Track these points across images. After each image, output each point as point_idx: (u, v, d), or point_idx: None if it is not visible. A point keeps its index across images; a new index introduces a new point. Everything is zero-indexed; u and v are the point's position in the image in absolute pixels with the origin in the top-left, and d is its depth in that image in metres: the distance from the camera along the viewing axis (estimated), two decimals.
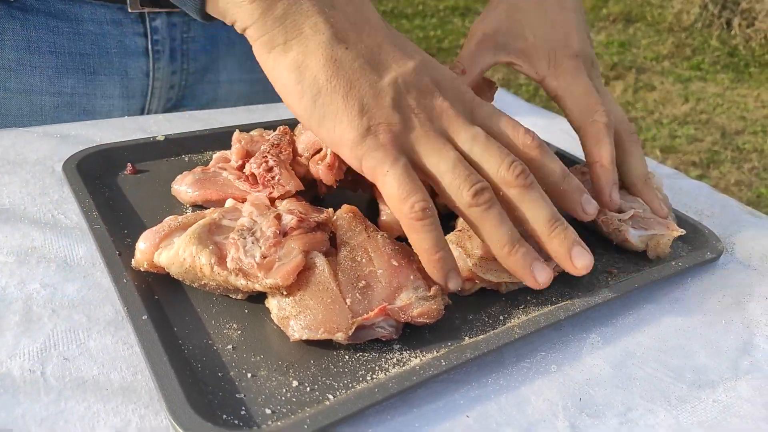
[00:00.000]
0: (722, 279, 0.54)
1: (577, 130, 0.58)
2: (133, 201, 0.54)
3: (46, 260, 0.46)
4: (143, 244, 0.43)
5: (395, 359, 0.40)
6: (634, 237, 0.54)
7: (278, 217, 0.44)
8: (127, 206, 0.53)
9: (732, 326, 0.49)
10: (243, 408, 0.35)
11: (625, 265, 0.54)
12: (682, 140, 3.03)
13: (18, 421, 0.34)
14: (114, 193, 0.55)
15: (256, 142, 0.57)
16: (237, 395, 0.36)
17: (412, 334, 0.42)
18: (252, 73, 0.87)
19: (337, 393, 0.37)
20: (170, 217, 0.45)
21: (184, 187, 0.54)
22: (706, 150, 2.94)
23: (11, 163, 0.58)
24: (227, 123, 0.71)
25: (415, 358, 0.40)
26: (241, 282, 0.41)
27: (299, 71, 0.43)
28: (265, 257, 0.42)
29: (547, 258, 0.45)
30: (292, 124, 0.57)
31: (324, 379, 0.38)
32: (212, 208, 0.47)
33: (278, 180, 0.51)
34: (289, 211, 0.45)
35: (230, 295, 0.43)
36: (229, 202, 0.48)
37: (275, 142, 0.53)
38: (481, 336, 0.42)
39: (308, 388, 0.37)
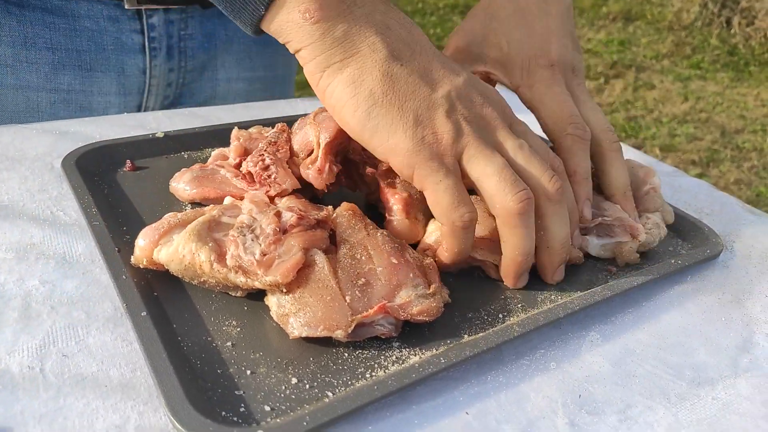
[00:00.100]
0: (722, 277, 0.54)
1: (551, 142, 0.57)
2: (132, 198, 0.54)
3: (45, 257, 0.46)
4: (142, 241, 0.43)
5: (394, 357, 0.40)
6: (594, 247, 0.53)
7: (278, 215, 0.44)
8: (126, 203, 0.53)
9: (731, 324, 0.49)
10: (242, 405, 0.35)
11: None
12: (681, 139, 3.03)
13: (17, 418, 0.34)
14: (113, 189, 0.55)
15: (254, 139, 0.57)
16: (236, 392, 0.36)
17: (411, 332, 0.42)
18: (250, 71, 0.87)
19: (337, 390, 0.37)
20: (169, 213, 0.45)
21: (182, 185, 0.54)
22: (706, 149, 2.95)
23: (10, 159, 0.58)
24: (226, 120, 0.71)
25: (415, 355, 0.40)
26: (240, 279, 0.41)
27: (355, 86, 0.44)
28: (264, 254, 0.41)
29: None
30: (291, 121, 0.57)
31: (323, 376, 0.38)
32: (211, 205, 0.47)
33: (274, 178, 0.51)
34: (289, 209, 0.45)
35: (230, 293, 0.43)
36: (228, 200, 0.48)
37: (272, 140, 0.53)
38: (481, 334, 0.42)
39: (307, 386, 0.37)
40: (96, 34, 0.73)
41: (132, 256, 0.43)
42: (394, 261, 0.44)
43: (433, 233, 0.49)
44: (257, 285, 0.41)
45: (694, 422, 0.39)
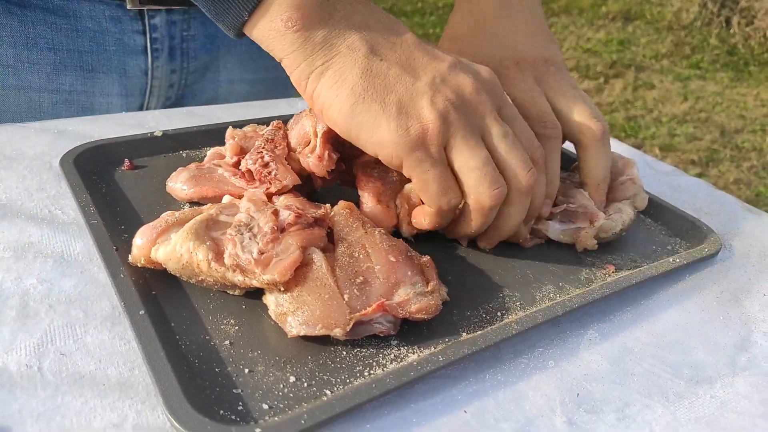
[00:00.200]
0: (720, 275, 0.54)
1: None
2: (131, 196, 0.54)
3: (43, 255, 0.46)
4: (140, 240, 0.43)
5: (392, 355, 0.40)
6: (554, 232, 0.54)
7: (275, 213, 0.44)
8: (125, 202, 0.53)
9: (730, 323, 0.49)
10: (240, 403, 0.35)
11: (623, 262, 0.54)
12: (681, 139, 3.03)
13: (15, 417, 0.34)
14: (111, 188, 0.55)
15: (249, 138, 0.57)
16: (234, 391, 0.36)
17: (409, 330, 0.42)
18: (253, 72, 0.87)
19: (335, 389, 0.37)
20: (167, 212, 0.45)
21: (179, 185, 0.53)
22: (705, 149, 2.95)
23: (8, 158, 0.58)
24: (225, 119, 0.71)
25: (413, 354, 0.40)
26: (238, 278, 0.41)
27: (337, 86, 0.45)
28: (262, 253, 0.41)
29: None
30: (287, 119, 0.57)
31: (321, 374, 0.38)
32: (209, 204, 0.47)
33: (275, 175, 0.51)
34: (287, 207, 0.45)
35: (227, 291, 0.43)
36: (226, 198, 0.48)
37: (269, 138, 0.53)
38: (479, 332, 0.42)
39: (305, 384, 0.37)
40: (98, 34, 0.72)
41: (130, 255, 0.43)
42: (392, 259, 0.44)
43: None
44: (255, 284, 0.41)
45: (692, 421, 0.39)
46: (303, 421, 0.33)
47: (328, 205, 0.48)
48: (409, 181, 0.48)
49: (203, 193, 0.53)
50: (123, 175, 0.57)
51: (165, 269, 0.43)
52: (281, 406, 0.36)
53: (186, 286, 0.44)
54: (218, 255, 0.41)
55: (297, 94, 0.87)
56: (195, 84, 0.82)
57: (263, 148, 0.52)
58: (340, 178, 0.55)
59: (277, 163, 0.51)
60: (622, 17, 4.88)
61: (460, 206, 0.48)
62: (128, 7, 0.72)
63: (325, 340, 0.40)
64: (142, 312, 0.39)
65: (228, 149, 0.55)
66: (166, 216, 0.44)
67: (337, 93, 0.45)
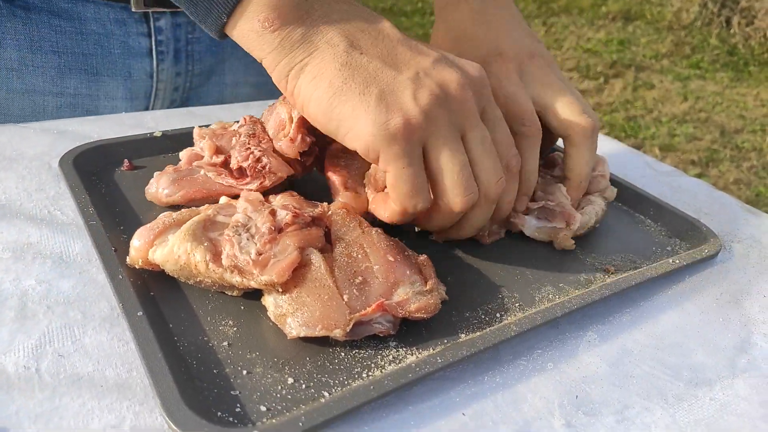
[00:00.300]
0: (720, 277, 0.54)
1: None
2: (130, 197, 0.54)
3: (42, 256, 0.46)
4: (138, 242, 0.43)
5: (391, 356, 0.40)
6: (530, 228, 0.54)
7: (273, 213, 0.44)
8: (124, 202, 0.53)
9: (730, 324, 0.49)
10: (238, 405, 0.35)
11: (623, 263, 0.54)
12: (681, 139, 3.03)
13: (12, 418, 0.34)
14: (110, 189, 0.55)
15: (219, 135, 0.56)
16: (232, 392, 0.36)
17: (408, 331, 0.42)
18: (258, 75, 0.86)
19: (333, 390, 0.37)
20: (165, 213, 0.45)
21: (162, 189, 0.52)
22: (705, 149, 2.94)
23: (8, 158, 0.58)
24: (225, 120, 0.70)
25: (411, 355, 0.40)
26: (236, 279, 0.41)
27: (316, 81, 0.44)
28: (260, 254, 0.41)
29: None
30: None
31: (319, 376, 0.38)
32: (206, 205, 0.46)
33: (269, 168, 0.51)
34: (284, 207, 0.45)
35: (226, 292, 0.43)
36: (223, 199, 0.48)
37: (251, 133, 0.53)
38: (478, 333, 0.42)
39: (304, 386, 0.37)
40: (103, 37, 0.72)
41: (128, 257, 0.43)
42: (391, 258, 0.44)
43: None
44: (253, 285, 0.41)
45: (691, 423, 0.39)
46: (301, 424, 0.33)
47: (325, 204, 0.48)
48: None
49: (191, 195, 0.52)
50: (122, 175, 0.57)
51: (163, 270, 0.43)
52: (279, 407, 0.35)
53: (184, 287, 0.44)
54: (216, 256, 0.41)
55: None
56: (200, 87, 0.82)
57: (249, 144, 0.52)
58: (317, 165, 0.56)
59: (269, 156, 0.51)
60: (622, 17, 4.88)
61: None
62: (133, 9, 0.72)
63: (323, 342, 0.40)
64: (140, 313, 0.39)
65: (206, 149, 0.55)
66: (163, 217, 0.44)
67: (316, 87, 0.44)
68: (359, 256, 0.44)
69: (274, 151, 0.53)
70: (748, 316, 0.50)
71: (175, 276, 0.43)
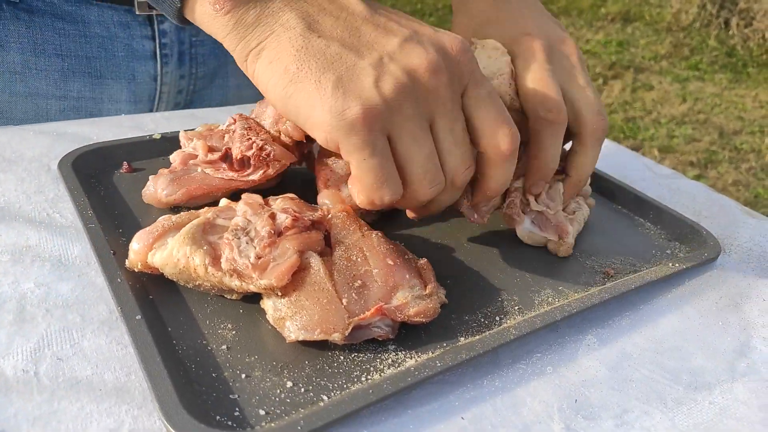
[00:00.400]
0: (719, 280, 0.54)
1: (531, 123, 0.53)
2: (129, 200, 0.53)
3: (41, 259, 0.46)
4: (137, 245, 0.43)
5: (390, 360, 0.40)
6: (523, 230, 0.54)
7: (272, 217, 0.44)
8: (123, 205, 0.53)
9: (729, 328, 0.49)
10: (237, 409, 0.35)
11: (622, 266, 0.54)
12: (679, 140, 3.03)
13: (10, 421, 0.34)
14: (109, 191, 0.54)
15: (207, 136, 0.56)
16: (231, 396, 0.36)
17: (407, 335, 0.42)
18: None
19: (332, 394, 0.37)
20: (164, 216, 0.45)
21: (161, 191, 0.52)
22: (704, 150, 2.95)
23: (7, 160, 0.58)
24: (224, 121, 0.70)
25: (410, 358, 0.40)
26: (235, 283, 0.41)
27: (272, 66, 0.42)
28: (259, 258, 0.41)
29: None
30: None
31: (318, 379, 0.38)
32: (206, 208, 0.46)
33: (273, 156, 0.51)
34: (284, 210, 0.45)
35: (225, 296, 0.43)
36: (223, 201, 0.48)
37: (246, 127, 0.54)
38: (477, 337, 0.42)
39: (302, 389, 0.37)
40: (106, 40, 0.72)
41: (126, 260, 0.43)
42: (390, 262, 0.43)
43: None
44: (252, 288, 0.41)
45: (691, 427, 0.39)
46: (300, 427, 0.33)
47: (325, 207, 0.48)
48: None
49: (191, 193, 0.52)
50: (121, 178, 0.57)
51: (162, 274, 0.42)
52: (278, 411, 0.35)
53: (183, 291, 0.44)
54: (215, 260, 0.41)
55: None
56: (204, 90, 0.82)
57: (248, 135, 0.53)
58: (308, 163, 0.57)
59: (271, 144, 0.52)
60: (621, 18, 4.88)
61: None
62: (137, 12, 0.71)
63: (322, 345, 0.40)
64: (138, 316, 0.39)
65: (199, 148, 0.55)
66: (163, 220, 0.44)
67: (272, 73, 0.42)
68: (359, 259, 0.43)
69: (274, 140, 0.54)
70: (748, 320, 0.50)
71: (174, 279, 0.43)
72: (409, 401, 0.38)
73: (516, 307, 0.46)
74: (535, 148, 0.52)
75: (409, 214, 0.51)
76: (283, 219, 0.44)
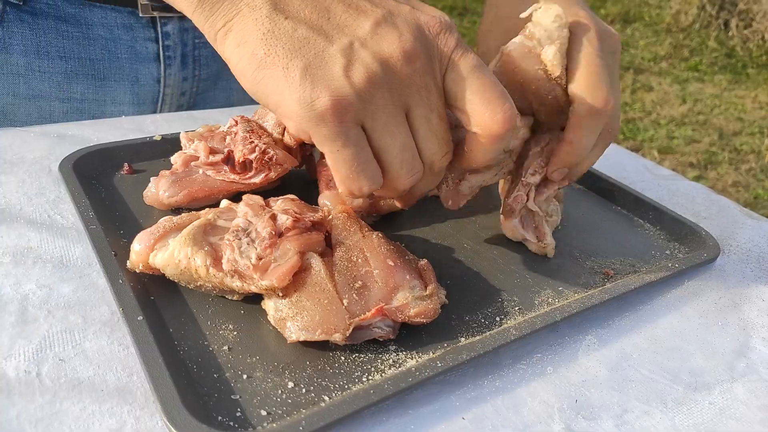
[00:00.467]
0: (719, 281, 0.54)
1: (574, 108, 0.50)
2: (130, 201, 0.54)
3: (42, 260, 0.46)
4: (138, 246, 0.43)
5: (391, 360, 0.40)
6: (510, 226, 0.52)
7: (273, 218, 0.44)
8: (124, 206, 0.53)
9: (728, 328, 0.49)
10: (238, 409, 0.35)
11: (622, 267, 0.54)
12: (679, 141, 3.03)
13: (12, 422, 0.34)
14: (110, 193, 0.55)
15: (208, 137, 0.57)
16: (232, 396, 0.36)
17: (408, 335, 0.42)
18: None
19: (333, 394, 0.37)
20: (165, 217, 0.45)
21: (162, 192, 0.52)
22: (704, 151, 2.95)
23: (8, 162, 0.58)
24: (223, 122, 0.71)
25: (411, 359, 0.40)
26: (236, 284, 0.41)
27: (239, 50, 0.40)
28: (260, 258, 0.41)
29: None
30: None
31: (320, 380, 0.38)
32: (207, 209, 0.47)
33: (276, 160, 0.51)
34: (284, 211, 0.45)
35: (226, 296, 0.43)
36: (224, 203, 0.48)
37: (248, 129, 0.54)
38: (477, 337, 0.42)
39: (304, 390, 0.37)
40: (110, 42, 0.72)
41: (128, 261, 0.43)
42: (391, 263, 0.44)
43: None
44: (253, 289, 0.41)
45: (690, 427, 0.39)
46: (301, 428, 0.33)
47: (326, 208, 0.48)
48: None
49: (193, 194, 0.52)
50: (122, 179, 0.57)
51: (163, 274, 0.43)
52: (279, 412, 0.36)
53: (184, 291, 0.44)
54: (216, 260, 0.41)
55: None
56: (207, 92, 0.82)
57: (251, 138, 0.53)
58: (308, 167, 0.57)
59: (274, 148, 0.52)
60: (621, 19, 4.89)
61: None
62: (140, 14, 0.71)
63: (323, 346, 0.40)
64: (140, 317, 0.39)
65: (201, 150, 0.55)
66: (164, 221, 0.44)
67: (239, 58, 0.40)
68: (359, 260, 0.44)
69: (276, 143, 0.54)
70: (747, 320, 0.50)
71: (176, 280, 0.43)
72: (410, 402, 0.38)
73: (516, 308, 0.47)
74: (571, 134, 0.49)
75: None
76: (284, 220, 0.44)
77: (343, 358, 0.40)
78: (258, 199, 0.47)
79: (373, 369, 0.39)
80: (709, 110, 3.40)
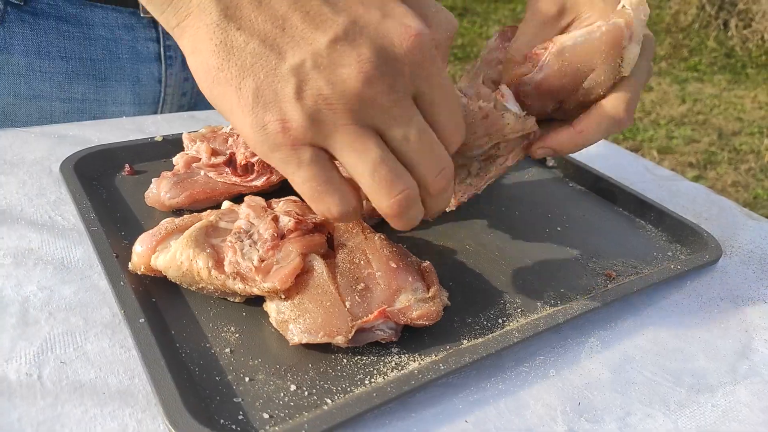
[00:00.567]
0: (721, 282, 0.54)
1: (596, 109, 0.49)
2: (131, 202, 0.53)
3: (43, 262, 0.46)
4: (140, 248, 0.43)
5: (394, 363, 0.40)
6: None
7: (275, 219, 0.44)
8: (125, 207, 0.53)
9: (731, 330, 0.49)
10: (241, 412, 0.35)
11: (624, 268, 0.54)
12: (679, 141, 3.03)
13: (14, 426, 0.34)
14: (111, 194, 0.54)
15: (211, 138, 0.57)
16: (234, 399, 0.36)
17: (410, 338, 0.42)
18: None
19: (336, 397, 0.37)
20: (167, 219, 0.45)
21: (164, 194, 0.52)
22: (703, 151, 2.95)
23: (8, 163, 0.58)
24: (226, 123, 0.70)
25: (414, 362, 0.40)
26: (238, 286, 0.41)
27: (194, 57, 0.37)
28: (262, 261, 0.41)
29: None
30: None
31: (322, 383, 0.38)
32: (209, 210, 0.46)
33: None
34: (286, 213, 0.45)
35: (228, 298, 0.43)
36: (225, 204, 0.48)
37: None
38: (480, 340, 0.42)
39: (306, 393, 0.37)
40: (111, 42, 0.72)
41: (129, 263, 0.43)
42: (393, 265, 0.43)
43: None
44: (255, 291, 0.41)
45: (693, 429, 0.39)
46: (304, 431, 0.33)
47: None
48: None
49: (195, 196, 0.52)
50: (123, 180, 0.57)
51: (165, 276, 0.42)
52: (282, 415, 0.35)
53: (186, 294, 0.44)
54: (218, 262, 0.41)
55: None
56: None
57: None
58: None
59: None
60: None
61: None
62: (142, 14, 0.71)
63: (325, 348, 0.40)
64: (142, 320, 0.39)
65: (203, 151, 0.55)
66: (166, 223, 0.44)
67: (195, 66, 0.37)
68: (362, 262, 0.44)
69: None
70: (749, 322, 0.50)
71: (177, 282, 0.43)
72: (412, 404, 0.38)
73: (518, 310, 0.46)
74: (585, 126, 0.48)
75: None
76: (286, 222, 0.44)
77: (345, 360, 0.40)
78: (260, 201, 0.47)
79: (375, 372, 0.39)
80: (709, 110, 3.40)
